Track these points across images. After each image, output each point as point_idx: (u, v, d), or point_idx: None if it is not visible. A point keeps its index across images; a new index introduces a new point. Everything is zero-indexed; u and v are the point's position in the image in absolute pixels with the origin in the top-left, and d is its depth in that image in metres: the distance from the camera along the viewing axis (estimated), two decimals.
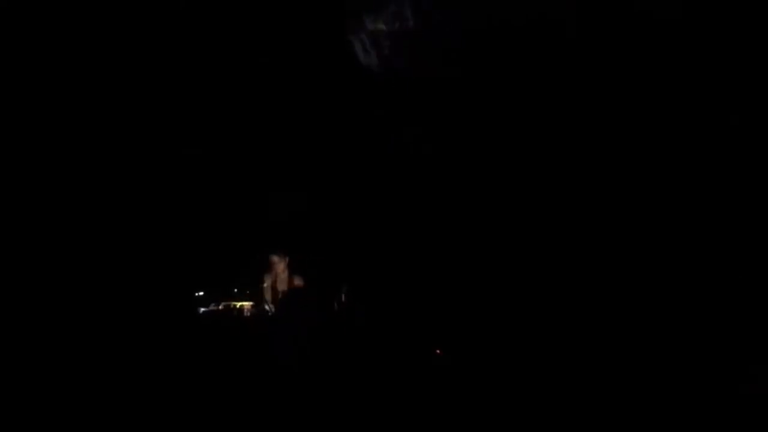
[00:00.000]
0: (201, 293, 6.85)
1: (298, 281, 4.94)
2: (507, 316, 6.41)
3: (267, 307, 5.07)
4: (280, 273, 4.91)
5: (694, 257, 5.73)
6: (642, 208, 6.05)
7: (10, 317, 5.44)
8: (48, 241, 5.94)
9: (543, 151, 6.44)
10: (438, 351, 6.20)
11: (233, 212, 6.83)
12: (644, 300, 5.87)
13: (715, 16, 5.40)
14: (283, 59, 6.24)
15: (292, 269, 4.95)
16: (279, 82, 6.32)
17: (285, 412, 4.42)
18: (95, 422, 4.39)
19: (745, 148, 5.62)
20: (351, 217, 6.90)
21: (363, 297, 6.56)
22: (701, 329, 5.48)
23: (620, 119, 6.05)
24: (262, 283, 4.98)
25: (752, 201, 5.50)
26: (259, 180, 6.73)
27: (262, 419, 4.43)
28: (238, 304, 6.77)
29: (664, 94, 5.81)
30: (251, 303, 6.64)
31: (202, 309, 6.76)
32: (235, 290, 6.91)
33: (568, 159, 6.30)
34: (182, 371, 5.31)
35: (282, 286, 4.93)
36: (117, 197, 6.30)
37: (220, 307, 6.76)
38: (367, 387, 5.03)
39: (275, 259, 4.90)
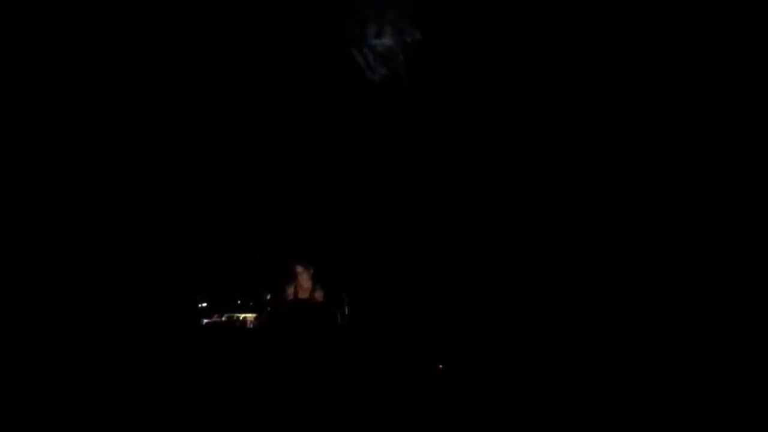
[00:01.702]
0: (204, 304, 6.70)
1: (319, 293, 4.92)
2: (508, 321, 6.45)
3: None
4: (303, 283, 4.85)
5: (694, 257, 5.90)
6: (642, 208, 6.19)
7: (13, 327, 5.32)
8: (48, 247, 5.76)
9: (541, 152, 6.54)
10: (440, 365, 6.19)
11: (237, 222, 6.71)
12: (644, 301, 6.03)
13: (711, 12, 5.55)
14: (283, 59, 6.19)
15: (315, 280, 4.87)
16: (279, 82, 6.26)
17: (284, 413, 4.46)
18: (98, 427, 4.41)
19: (741, 145, 5.79)
20: (351, 218, 6.83)
21: (364, 300, 6.51)
22: (701, 329, 5.65)
23: (618, 122, 6.20)
24: (282, 291, 4.87)
25: (752, 200, 5.67)
26: (262, 184, 6.62)
27: (261, 421, 4.47)
28: (242, 316, 6.66)
29: (660, 93, 5.96)
30: (254, 314, 6.54)
31: (206, 320, 6.61)
32: (239, 301, 6.78)
33: (566, 159, 6.41)
34: (185, 380, 5.31)
35: (304, 296, 4.89)
36: (118, 203, 6.15)
37: (223, 319, 6.64)
38: (367, 391, 5.08)
39: (299, 269, 4.85)
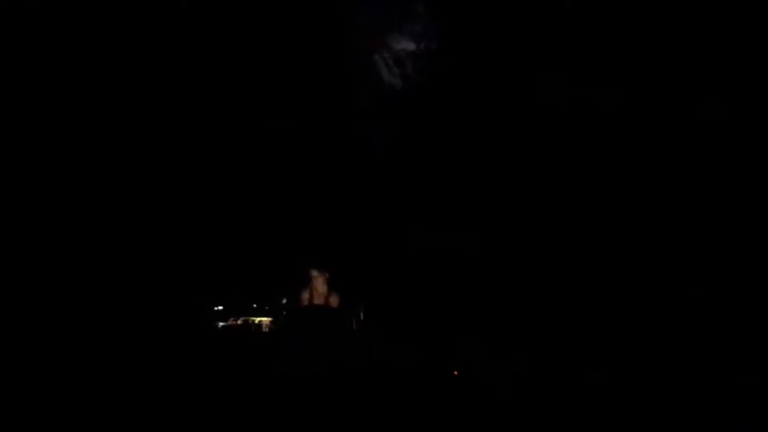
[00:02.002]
0: (220, 308, 6.74)
1: (334, 298, 4.86)
2: (523, 324, 6.40)
3: None
4: (318, 288, 4.80)
5: (693, 257, 5.86)
6: (640, 210, 6.13)
7: (34, 332, 5.42)
8: (66, 252, 5.82)
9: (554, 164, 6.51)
10: (455, 372, 6.14)
11: (253, 227, 6.74)
12: (644, 302, 6.00)
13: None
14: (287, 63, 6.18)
15: (331, 285, 4.85)
16: (291, 85, 6.26)
17: (296, 418, 4.42)
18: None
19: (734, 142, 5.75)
20: (366, 223, 6.81)
21: (380, 306, 6.47)
22: (701, 329, 5.59)
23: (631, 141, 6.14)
24: (298, 296, 4.82)
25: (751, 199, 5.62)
26: (279, 192, 6.64)
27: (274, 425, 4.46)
28: (257, 320, 6.69)
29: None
30: (270, 318, 6.55)
31: (221, 323, 6.64)
32: (254, 305, 6.80)
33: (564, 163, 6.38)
34: (200, 384, 5.32)
35: (319, 302, 4.83)
36: (136, 208, 6.21)
37: (239, 322, 6.67)
38: (380, 396, 5.08)
39: (314, 273, 4.80)
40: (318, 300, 4.79)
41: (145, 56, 5.89)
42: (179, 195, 6.54)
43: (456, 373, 6.10)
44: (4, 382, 4.78)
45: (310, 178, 6.73)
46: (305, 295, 4.80)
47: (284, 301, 5.50)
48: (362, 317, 6.46)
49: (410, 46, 6.23)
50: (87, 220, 6.10)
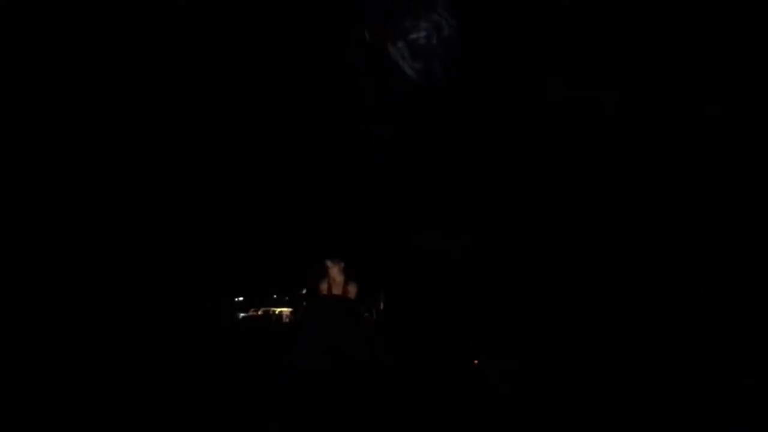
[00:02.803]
0: (241, 298, 6.93)
1: (352, 288, 4.75)
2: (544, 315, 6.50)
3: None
4: (335, 277, 4.73)
5: (693, 257, 5.90)
6: (639, 209, 6.20)
7: (28, 324, 5.49)
8: (88, 247, 6.01)
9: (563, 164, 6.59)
10: (475, 361, 6.21)
11: (272, 218, 6.84)
12: (644, 302, 6.01)
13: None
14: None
15: (348, 275, 4.94)
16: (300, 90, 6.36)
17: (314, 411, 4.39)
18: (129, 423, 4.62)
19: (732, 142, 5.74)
20: (384, 210, 6.87)
21: (399, 293, 6.60)
22: (701, 329, 5.63)
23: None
24: (316, 286, 4.96)
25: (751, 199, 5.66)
26: (295, 185, 6.77)
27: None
28: (277, 310, 6.87)
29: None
30: (290, 309, 6.72)
31: (242, 314, 6.85)
32: (275, 296, 6.98)
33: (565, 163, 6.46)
34: (219, 375, 5.46)
35: (337, 291, 4.88)
36: (156, 205, 6.42)
37: (259, 313, 6.85)
38: (398, 388, 5.07)
39: (329, 263, 4.72)
40: (336, 290, 4.69)
41: (145, 56, 5.86)
42: (198, 191, 6.60)
43: (476, 362, 6.14)
44: (4, 379, 4.83)
45: (327, 171, 6.63)
46: (323, 286, 4.70)
47: (303, 291, 5.61)
48: (382, 307, 6.55)
49: (418, 38, 6.19)
50: (105, 213, 6.21)
